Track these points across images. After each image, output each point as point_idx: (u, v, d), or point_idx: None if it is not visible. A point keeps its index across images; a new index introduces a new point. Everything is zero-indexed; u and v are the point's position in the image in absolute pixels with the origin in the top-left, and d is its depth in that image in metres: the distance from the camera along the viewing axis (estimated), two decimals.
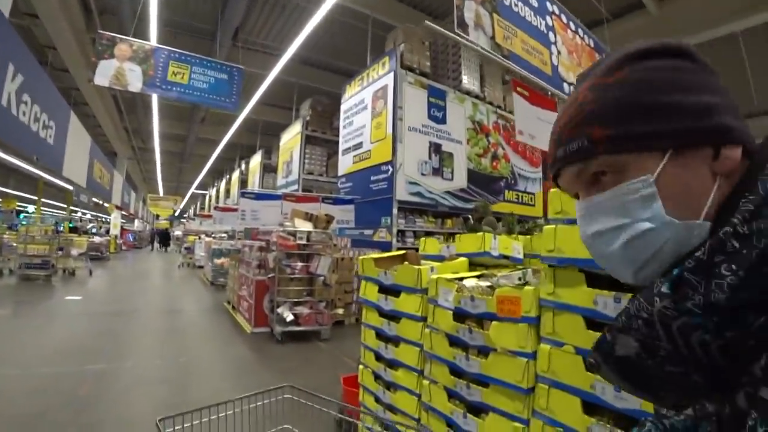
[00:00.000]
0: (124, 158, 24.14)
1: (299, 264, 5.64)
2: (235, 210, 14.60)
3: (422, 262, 2.74)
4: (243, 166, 20.12)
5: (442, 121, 8.83)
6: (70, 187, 13.98)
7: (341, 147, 9.67)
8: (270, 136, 17.84)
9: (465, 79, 9.46)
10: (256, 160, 17.53)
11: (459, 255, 2.68)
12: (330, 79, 13.33)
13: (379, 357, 2.55)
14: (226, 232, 19.57)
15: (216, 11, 10.15)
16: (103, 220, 34.26)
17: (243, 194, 7.85)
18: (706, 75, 0.56)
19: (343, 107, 9.82)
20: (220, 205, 16.47)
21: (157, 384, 3.96)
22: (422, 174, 8.34)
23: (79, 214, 30.45)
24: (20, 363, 4.33)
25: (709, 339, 0.46)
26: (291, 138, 12.84)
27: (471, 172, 9.36)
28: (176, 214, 40.78)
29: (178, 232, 30.25)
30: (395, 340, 2.40)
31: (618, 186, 0.56)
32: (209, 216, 19.42)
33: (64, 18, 9.67)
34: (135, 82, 7.17)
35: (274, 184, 16.67)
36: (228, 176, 24.44)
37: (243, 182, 19.93)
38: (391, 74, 8.20)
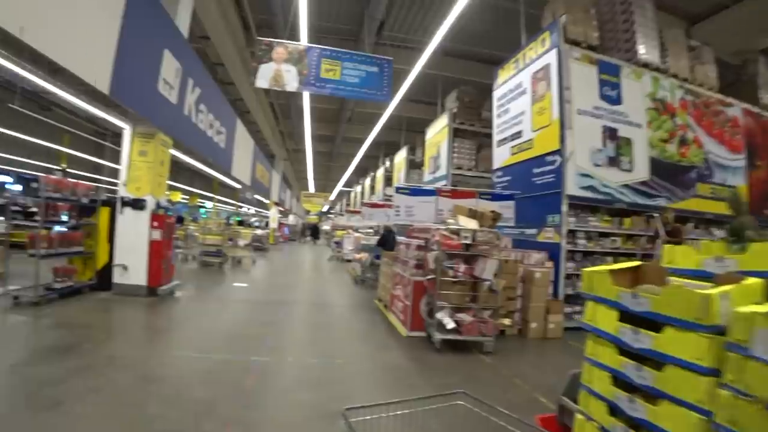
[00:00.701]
0: (280, 159, 26.58)
1: (462, 266, 5.03)
2: (384, 206, 14.77)
3: (671, 279, 1.90)
4: (387, 163, 20.42)
5: (617, 101, 7.46)
6: (238, 186, 15.62)
7: (495, 138, 8.84)
8: (414, 133, 17.73)
9: (641, 49, 7.88)
10: (401, 156, 17.55)
11: (743, 273, 1.76)
12: (475, 69, 12.59)
13: (616, 411, 1.78)
14: (371, 228, 20.15)
15: (359, 9, 10.33)
16: (263, 215, 38.50)
17: (398, 189, 7.55)
18: None
19: (495, 95, 8.97)
20: (368, 200, 16.80)
21: (317, 387, 3.74)
22: (595, 165, 7.11)
23: (245, 209, 34.67)
24: (199, 347, 4.59)
25: None
26: (437, 132, 12.37)
27: (654, 161, 7.79)
28: (324, 210, 44.00)
29: (326, 227, 32.41)
30: (651, 394, 1.62)
31: None
32: (357, 212, 20.20)
33: (228, 36, 10.73)
34: (292, 82, 7.37)
35: (419, 180, 16.48)
36: (373, 174, 25.20)
37: (388, 179, 20.24)
38: (554, 51, 7.13)
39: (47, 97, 15.70)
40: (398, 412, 1.36)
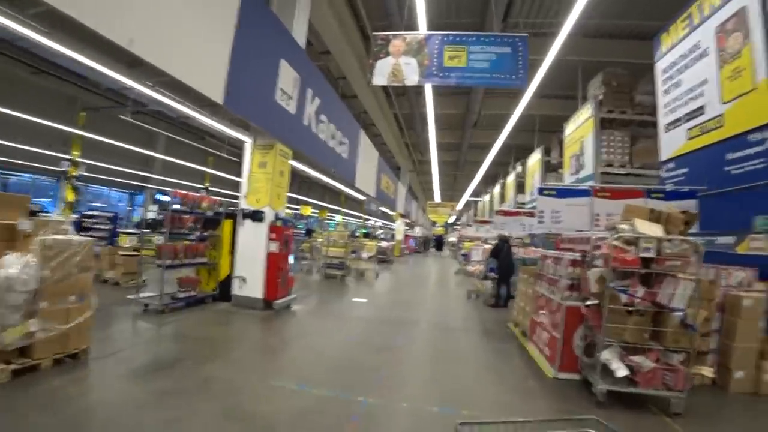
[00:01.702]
0: (406, 171, 26.44)
1: (641, 289, 3.64)
2: (518, 214, 13.36)
3: None
4: (519, 168, 18.72)
5: None
6: (363, 197, 15.54)
7: (663, 121, 7.00)
8: (548, 133, 15.88)
9: None
10: (535, 158, 15.82)
11: None
12: (622, 48, 10.59)
13: None
14: None
15: (480, 3, 9.46)
16: (389, 227, 38.96)
17: (541, 191, 6.31)
18: None
19: (659, 66, 7.14)
20: (502, 208, 15.40)
21: None
22: None
23: (371, 222, 35.41)
24: (301, 375, 3.99)
25: None
26: (580, 125, 10.60)
27: None
28: (450, 221, 42.97)
29: (452, 239, 31.34)
30: None
31: None
32: (487, 222, 18.85)
33: (348, 47, 10.60)
34: (411, 75, 6.66)
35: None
36: (502, 181, 23.54)
37: (520, 185, 18.54)
38: None
39: (192, 123, 17.59)
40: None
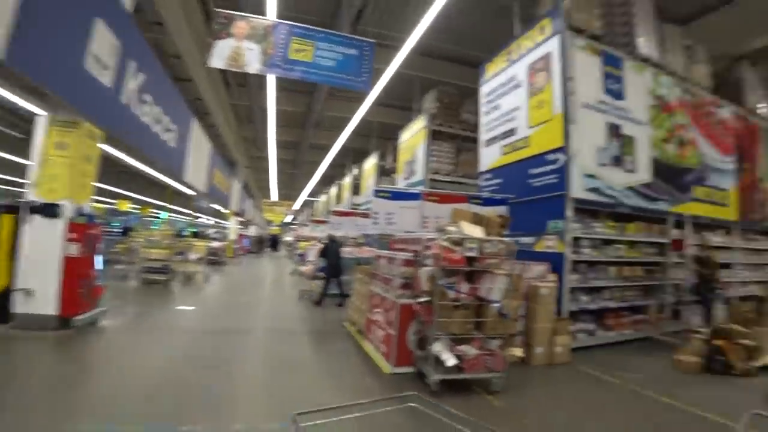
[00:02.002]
0: (242, 167, 24.98)
1: (465, 285, 3.96)
2: (354, 215, 13.62)
3: None
4: (355, 171, 19.32)
5: (620, 96, 6.76)
6: (192, 192, 14.01)
7: (483, 138, 7.92)
8: (384, 140, 16.76)
9: (641, 41, 7.28)
10: (371, 162, 16.52)
11: None
12: (455, 71, 11.83)
13: None
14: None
15: (332, 4, 9.72)
16: (223, 226, 36.45)
17: (376, 193, 6.42)
18: None
19: (483, 90, 8.09)
20: (337, 208, 15.56)
21: None
22: (600, 164, 6.31)
23: (203, 220, 32.58)
24: (106, 411, 3.22)
25: None
26: (413, 135, 11.40)
27: (656, 161, 7.12)
28: (287, 221, 42.20)
29: (289, 238, 30.81)
30: None
31: None
32: (323, 221, 18.87)
33: (186, 22, 9.48)
34: (253, 62, 6.19)
35: None
36: (339, 182, 24.03)
37: (356, 187, 19.15)
38: (556, 38, 6.30)
39: None
40: (350, 416, 1.31)
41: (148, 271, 9.98)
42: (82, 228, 5.61)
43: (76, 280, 5.45)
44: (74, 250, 5.47)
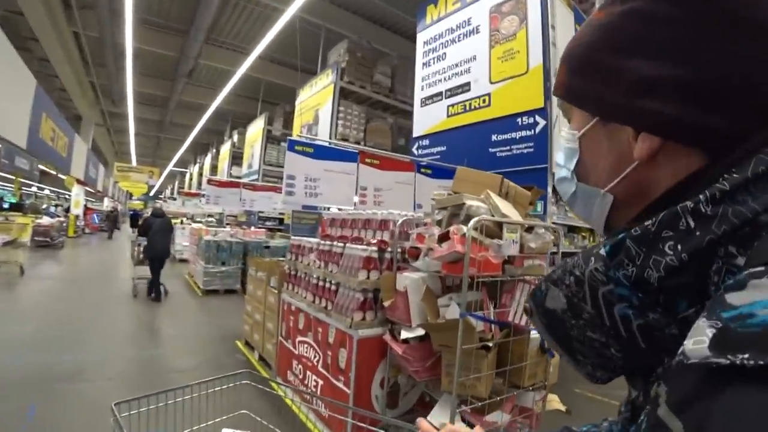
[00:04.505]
0: (90, 123, 20.06)
1: (491, 308, 2.24)
2: (237, 185, 11.05)
3: None
4: (236, 138, 16.43)
5: None
6: None
7: (419, 95, 6.28)
8: (271, 105, 14.26)
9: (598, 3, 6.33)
10: (257, 126, 13.90)
11: None
12: (368, 28, 10.40)
13: None
14: (211, 216, 15.98)
15: (189, 13, 9.77)
16: (65, 197, 29.83)
17: (293, 145, 4.10)
18: (696, 32, 0.40)
19: (421, 37, 6.41)
20: (215, 178, 12.71)
21: None
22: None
23: (35, 189, 26.11)
24: None
25: (632, 315, 0.40)
26: (316, 92, 9.32)
27: None
28: (151, 193, 36.33)
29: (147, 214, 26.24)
30: None
31: (567, 129, 0.54)
32: (196, 194, 15.70)
33: None
34: None
35: (279, 158, 13.10)
36: (215, 150, 20.64)
37: (236, 156, 16.33)
38: None
39: None
40: (178, 399, 1.11)
41: None
42: None
43: None
44: None
